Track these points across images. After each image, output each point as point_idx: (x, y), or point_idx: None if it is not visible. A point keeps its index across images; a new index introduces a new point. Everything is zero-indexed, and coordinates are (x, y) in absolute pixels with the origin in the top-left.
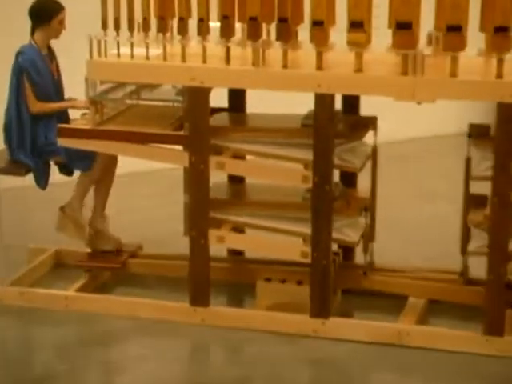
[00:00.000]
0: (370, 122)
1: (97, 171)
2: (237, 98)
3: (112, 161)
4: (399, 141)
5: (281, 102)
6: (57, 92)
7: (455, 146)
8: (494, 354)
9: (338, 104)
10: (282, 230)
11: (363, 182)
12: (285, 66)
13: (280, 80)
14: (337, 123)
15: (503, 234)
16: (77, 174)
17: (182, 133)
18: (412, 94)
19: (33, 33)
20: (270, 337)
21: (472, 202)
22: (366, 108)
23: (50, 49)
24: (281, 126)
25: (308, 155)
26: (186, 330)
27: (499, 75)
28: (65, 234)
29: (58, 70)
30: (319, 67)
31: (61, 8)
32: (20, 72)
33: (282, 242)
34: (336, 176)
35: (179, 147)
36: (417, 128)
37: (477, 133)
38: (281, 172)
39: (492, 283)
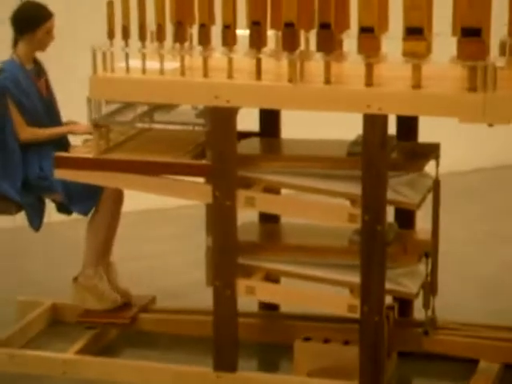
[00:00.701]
0: (431, 150)
1: (107, 214)
2: (269, 120)
3: (118, 199)
4: (464, 171)
5: (322, 125)
6: (48, 113)
7: None
8: None
9: (393, 128)
10: (325, 279)
11: (423, 222)
12: (327, 82)
13: (321, 99)
14: (390, 151)
15: None
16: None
17: (203, 162)
18: (482, 113)
19: (15, 44)
20: None
21: None
22: (425, 133)
23: (36, 62)
24: (323, 154)
25: (356, 189)
26: None
27: None
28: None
29: (48, 87)
30: (369, 83)
31: (48, 15)
32: (1, 93)
33: (325, 293)
34: (390, 215)
35: (200, 179)
36: (486, 156)
37: None
38: (323, 209)
39: None
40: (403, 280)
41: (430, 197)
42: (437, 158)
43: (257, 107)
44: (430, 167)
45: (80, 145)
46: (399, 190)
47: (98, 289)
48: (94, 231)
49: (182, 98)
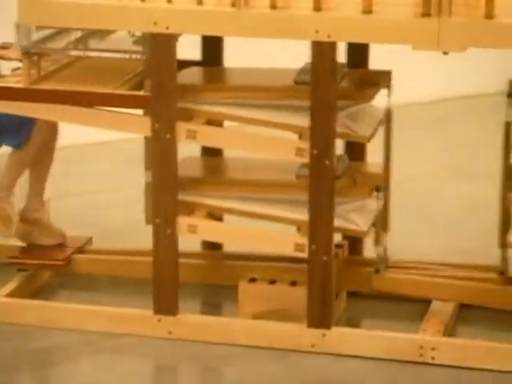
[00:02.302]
0: (382, 78)
1: (33, 147)
2: (212, 48)
3: (52, 132)
4: (419, 102)
5: (268, 53)
6: None
7: (491, 109)
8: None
9: (343, 56)
10: (271, 216)
11: (374, 155)
12: (273, 7)
13: (266, 25)
14: (340, 80)
15: None
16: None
17: (141, 93)
18: (436, 41)
19: None
20: (255, 353)
21: None
22: (377, 61)
23: None
24: (268, 83)
25: (303, 121)
26: (149, 346)
27: None
28: None
29: None
30: (317, 8)
31: None
32: None
33: (271, 231)
34: (339, 147)
35: (138, 111)
36: (442, 86)
37: None
38: (268, 143)
39: None
40: (353, 216)
41: (382, 129)
42: (388, 86)
43: (198, 34)
44: (381, 98)
45: (9, 74)
46: (349, 121)
47: (7, 212)
48: (20, 159)
49: (119, 24)
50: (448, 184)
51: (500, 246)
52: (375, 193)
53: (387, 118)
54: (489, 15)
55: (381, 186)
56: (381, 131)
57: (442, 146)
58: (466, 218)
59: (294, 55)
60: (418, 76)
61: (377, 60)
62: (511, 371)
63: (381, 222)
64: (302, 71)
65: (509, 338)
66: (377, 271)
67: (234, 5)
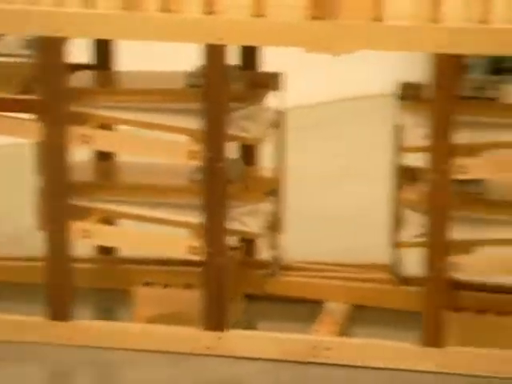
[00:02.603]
0: (273, 80)
1: None
2: (103, 51)
3: None
4: (311, 105)
5: (160, 56)
6: None
7: (379, 110)
8: (433, 369)
9: (235, 58)
10: (164, 220)
11: (268, 158)
12: (164, 10)
13: (157, 28)
14: (232, 82)
15: (444, 219)
16: None
17: (32, 97)
18: (327, 43)
19: None
20: (151, 357)
21: (404, 177)
22: (270, 63)
23: None
24: (160, 86)
25: (195, 124)
26: (43, 353)
27: (434, 19)
28: None
29: None
30: (208, 11)
31: None
32: None
33: (164, 235)
34: (234, 151)
35: (28, 116)
36: (333, 88)
37: (409, 94)
38: (161, 146)
39: (431, 282)
40: (247, 219)
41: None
42: (279, 88)
43: (88, 37)
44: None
45: None
46: (241, 123)
47: None
48: None
49: (5, 27)
50: (340, 185)
51: (392, 246)
52: (269, 195)
53: (280, 120)
54: (377, 18)
55: (275, 188)
56: (274, 133)
57: (333, 148)
58: (359, 218)
59: (187, 58)
60: (309, 78)
61: (270, 62)
62: (405, 369)
63: (275, 225)
64: (193, 74)
65: (402, 337)
66: (271, 273)
67: (125, 8)
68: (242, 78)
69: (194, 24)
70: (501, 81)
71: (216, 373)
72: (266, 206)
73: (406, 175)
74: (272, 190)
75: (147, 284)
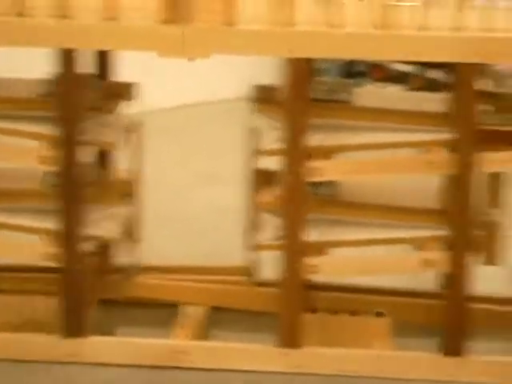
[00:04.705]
0: (126, 89)
1: None
2: None
3: None
4: (168, 109)
5: (17, 63)
6: None
7: (235, 113)
8: (290, 370)
9: (91, 66)
10: (19, 226)
11: (123, 163)
12: (18, 14)
13: (11, 33)
14: (85, 90)
15: (298, 221)
16: None
17: None
18: (181, 47)
19: None
20: (5, 367)
21: (260, 180)
22: (124, 68)
23: None
24: (14, 94)
25: (48, 129)
26: None
27: (287, 23)
28: None
29: None
30: (61, 15)
31: None
32: None
33: (17, 241)
34: (88, 155)
35: None
36: (188, 92)
37: (262, 96)
38: (12, 151)
39: (286, 283)
40: (103, 224)
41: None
42: (132, 97)
43: None
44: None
45: None
46: (96, 130)
47: None
48: None
49: None
50: (198, 188)
51: (249, 249)
52: (126, 200)
53: (135, 125)
54: (230, 22)
55: (131, 192)
56: (130, 139)
57: (191, 152)
58: (215, 221)
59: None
60: (165, 83)
61: (124, 67)
62: (263, 371)
63: (132, 229)
64: (45, 82)
65: (259, 339)
66: (128, 277)
67: None
68: (97, 87)
69: (46, 29)
70: (353, 84)
71: (77, 380)
72: (122, 211)
73: (262, 178)
74: (128, 194)
75: (2, 291)
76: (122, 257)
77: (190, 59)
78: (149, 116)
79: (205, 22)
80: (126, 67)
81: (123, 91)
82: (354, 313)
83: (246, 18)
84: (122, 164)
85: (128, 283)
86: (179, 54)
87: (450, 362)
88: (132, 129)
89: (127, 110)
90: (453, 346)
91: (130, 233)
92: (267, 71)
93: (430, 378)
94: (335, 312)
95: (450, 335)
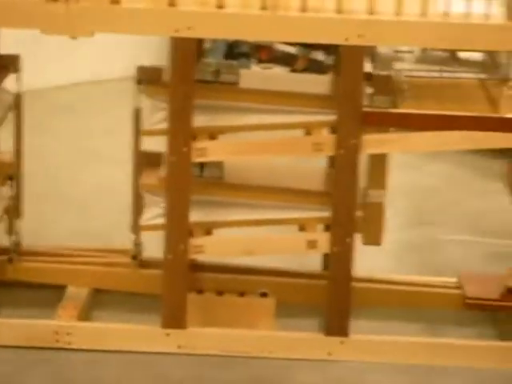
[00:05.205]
0: (11, 62)
1: None
2: None
3: None
4: (52, 88)
5: None
6: None
7: (122, 93)
8: (175, 351)
9: None
10: None
11: (6, 142)
12: None
13: None
14: None
15: (183, 202)
16: None
17: None
18: (64, 26)
19: None
20: None
21: (145, 161)
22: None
23: None
24: None
25: None
26: None
27: (172, 2)
28: None
29: None
30: None
31: None
32: None
33: None
34: None
35: None
36: (73, 71)
37: (147, 78)
38: None
39: (170, 264)
40: None
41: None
42: (17, 70)
43: None
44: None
45: None
46: None
47: None
48: None
49: None
50: (84, 169)
51: (132, 231)
52: (7, 180)
53: (17, 103)
54: (114, 0)
55: (13, 172)
56: (12, 116)
57: (76, 131)
58: (101, 202)
59: None
60: (50, 61)
61: (9, 43)
62: (148, 352)
63: (13, 209)
64: None
65: (145, 320)
66: (10, 260)
67: None
68: None
69: None
70: (238, 65)
71: None
72: (3, 191)
73: (147, 160)
74: (10, 174)
75: None
76: (3, 238)
77: (73, 37)
78: (38, 93)
79: (89, 1)
80: (13, 43)
81: (8, 64)
82: (240, 293)
83: None
84: (5, 143)
85: (10, 265)
86: (62, 32)
87: (332, 341)
88: (15, 106)
89: (11, 86)
90: (335, 326)
91: (12, 213)
92: (154, 52)
93: (312, 357)
94: (221, 293)
95: (332, 315)
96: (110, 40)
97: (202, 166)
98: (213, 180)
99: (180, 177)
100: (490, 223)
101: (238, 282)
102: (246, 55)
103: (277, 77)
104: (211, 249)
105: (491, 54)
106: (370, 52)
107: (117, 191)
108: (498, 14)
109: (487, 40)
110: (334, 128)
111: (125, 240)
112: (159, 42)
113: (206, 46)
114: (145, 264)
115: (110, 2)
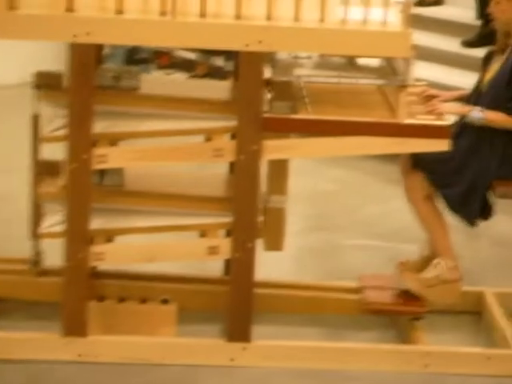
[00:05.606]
0: None
1: None
2: None
3: None
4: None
5: None
6: None
7: (19, 100)
8: (76, 359)
9: None
10: None
11: None
12: None
13: None
14: None
15: (83, 210)
16: None
17: None
18: (4, 30)
19: None
20: None
21: (43, 169)
22: None
23: None
24: None
25: None
26: None
27: (69, 8)
28: None
29: None
30: None
31: None
32: None
33: None
34: None
35: None
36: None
37: (46, 83)
38: None
39: (70, 272)
40: None
41: None
42: None
43: None
44: None
45: None
46: None
47: None
48: None
49: None
50: None
51: (31, 238)
52: None
53: None
54: (10, 7)
55: None
56: None
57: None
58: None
59: None
60: None
61: None
62: (48, 360)
63: None
64: None
65: (44, 328)
66: None
67: None
68: None
69: None
70: (139, 71)
71: None
72: None
73: (46, 168)
74: None
75: None
76: None
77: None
78: None
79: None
80: None
81: None
82: (142, 300)
83: (27, 2)
84: None
85: None
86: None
87: (234, 347)
88: None
89: None
90: (237, 332)
91: None
92: (54, 57)
93: (214, 363)
94: (122, 300)
95: (234, 321)
96: (5, 44)
97: (102, 173)
98: (113, 188)
99: (80, 184)
100: (389, 227)
101: (140, 288)
102: (146, 61)
103: (178, 83)
104: (112, 256)
105: (389, 60)
106: (269, 58)
107: (13, 199)
108: (394, 21)
109: (384, 46)
110: (234, 134)
111: (23, 248)
112: (58, 46)
113: (106, 51)
114: (45, 272)
115: (6, 8)
